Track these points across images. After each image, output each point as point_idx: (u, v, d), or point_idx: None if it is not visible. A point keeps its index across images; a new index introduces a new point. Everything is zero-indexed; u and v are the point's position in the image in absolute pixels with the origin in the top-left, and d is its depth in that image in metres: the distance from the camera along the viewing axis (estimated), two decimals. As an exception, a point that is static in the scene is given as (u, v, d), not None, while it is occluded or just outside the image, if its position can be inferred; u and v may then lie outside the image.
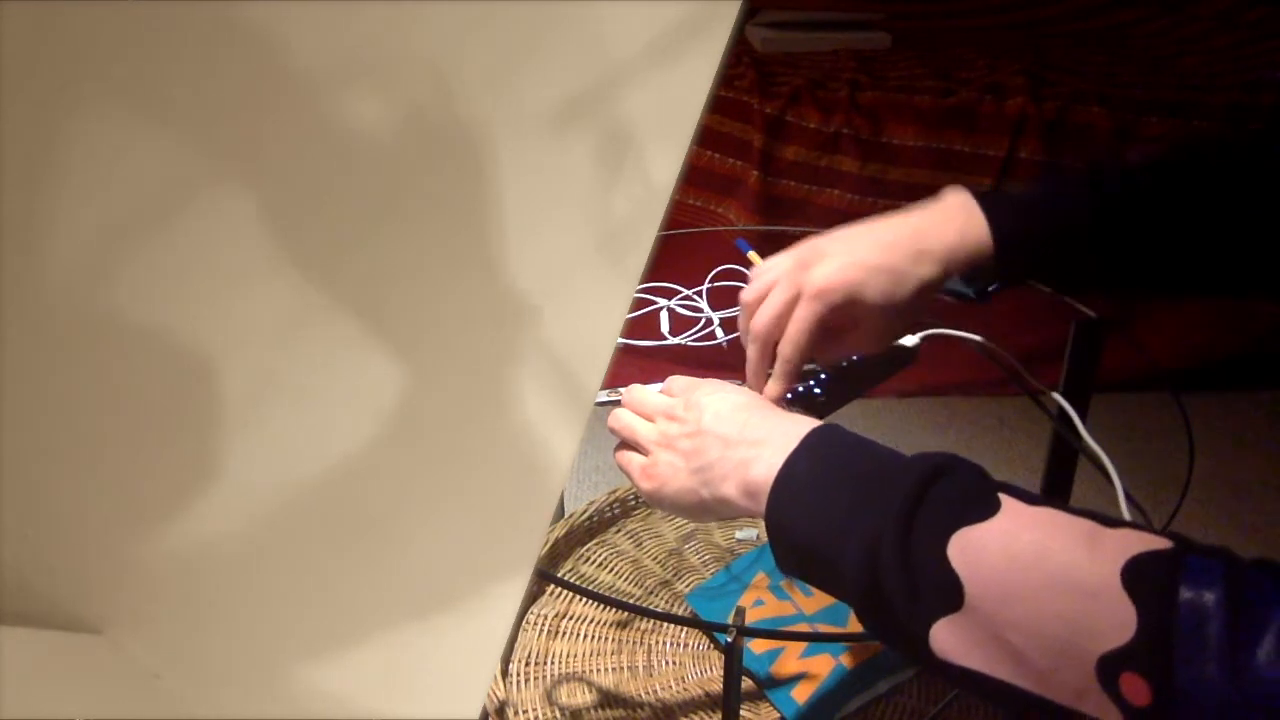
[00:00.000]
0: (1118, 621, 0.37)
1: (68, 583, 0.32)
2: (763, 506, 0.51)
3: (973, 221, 0.66)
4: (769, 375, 0.66)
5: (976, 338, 0.98)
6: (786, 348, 0.64)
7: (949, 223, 0.66)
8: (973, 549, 0.41)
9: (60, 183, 0.29)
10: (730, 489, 0.53)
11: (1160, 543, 0.39)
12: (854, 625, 0.94)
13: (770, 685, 0.89)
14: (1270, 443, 1.98)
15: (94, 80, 0.29)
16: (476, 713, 0.34)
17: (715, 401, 0.58)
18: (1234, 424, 2.00)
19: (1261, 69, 2.08)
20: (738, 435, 0.55)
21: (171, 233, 0.31)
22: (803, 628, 0.92)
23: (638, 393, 0.64)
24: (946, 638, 0.41)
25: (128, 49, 0.29)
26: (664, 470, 0.58)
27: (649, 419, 0.61)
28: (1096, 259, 0.67)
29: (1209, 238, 0.66)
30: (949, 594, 0.41)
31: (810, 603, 0.95)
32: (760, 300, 0.65)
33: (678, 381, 0.63)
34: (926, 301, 0.66)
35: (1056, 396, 0.91)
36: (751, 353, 0.66)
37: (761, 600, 0.95)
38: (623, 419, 0.63)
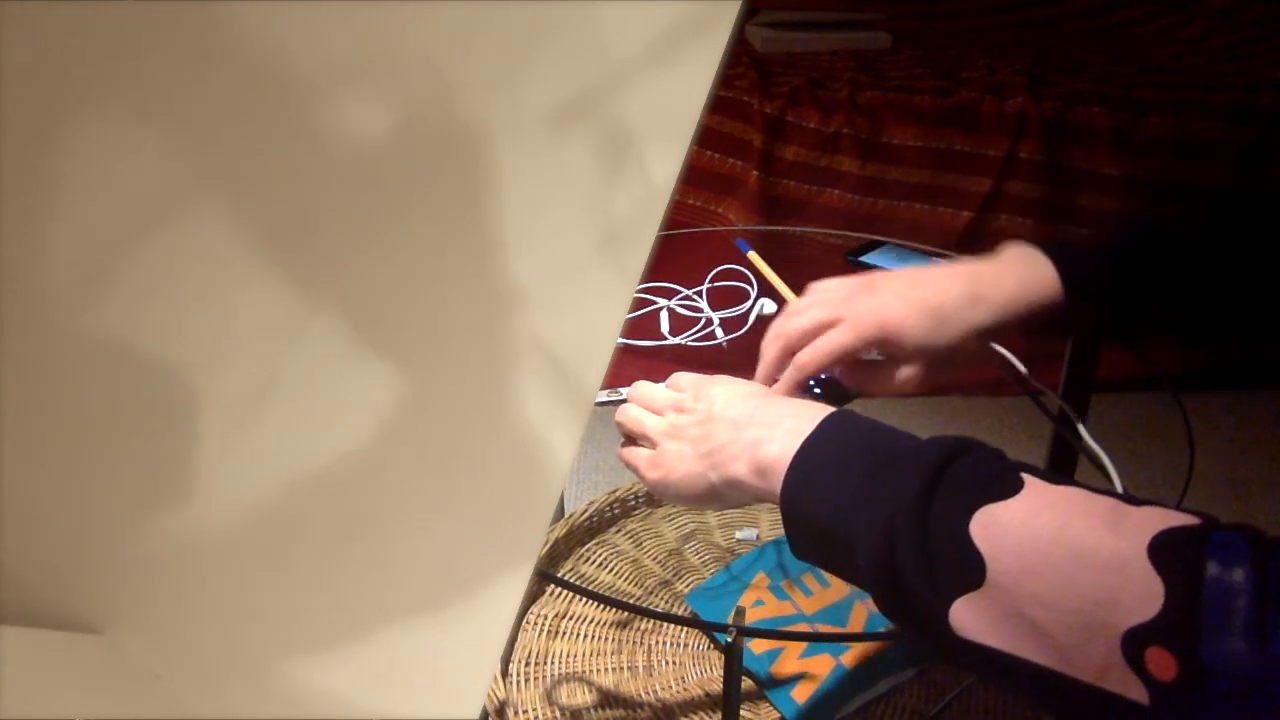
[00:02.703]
0: (1144, 596, 0.36)
1: (68, 583, 0.32)
2: (774, 486, 0.51)
3: (1035, 269, 0.65)
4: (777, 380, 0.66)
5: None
6: (804, 358, 0.64)
7: (1009, 270, 0.65)
8: (996, 526, 0.41)
9: (59, 185, 0.29)
10: (740, 468, 0.53)
11: (1186, 519, 0.39)
12: (854, 625, 0.95)
13: (770, 685, 0.89)
14: (1270, 443, 1.98)
15: (91, 83, 0.29)
16: (476, 713, 0.34)
17: (725, 391, 0.59)
18: (1234, 424, 2.00)
19: (1261, 69, 2.08)
20: (748, 418, 0.55)
21: (173, 234, 0.31)
22: (803, 628, 0.92)
23: (644, 388, 0.64)
24: (967, 615, 0.41)
25: (125, 51, 0.29)
26: (670, 458, 0.58)
27: (657, 413, 0.62)
28: (1164, 303, 0.67)
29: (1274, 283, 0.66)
30: (970, 571, 0.41)
31: (810, 603, 0.95)
32: (803, 311, 0.66)
33: (684, 378, 0.63)
34: (977, 348, 0.65)
35: (1056, 397, 0.91)
36: (771, 353, 0.66)
37: (761, 600, 0.95)
38: (630, 413, 0.63)
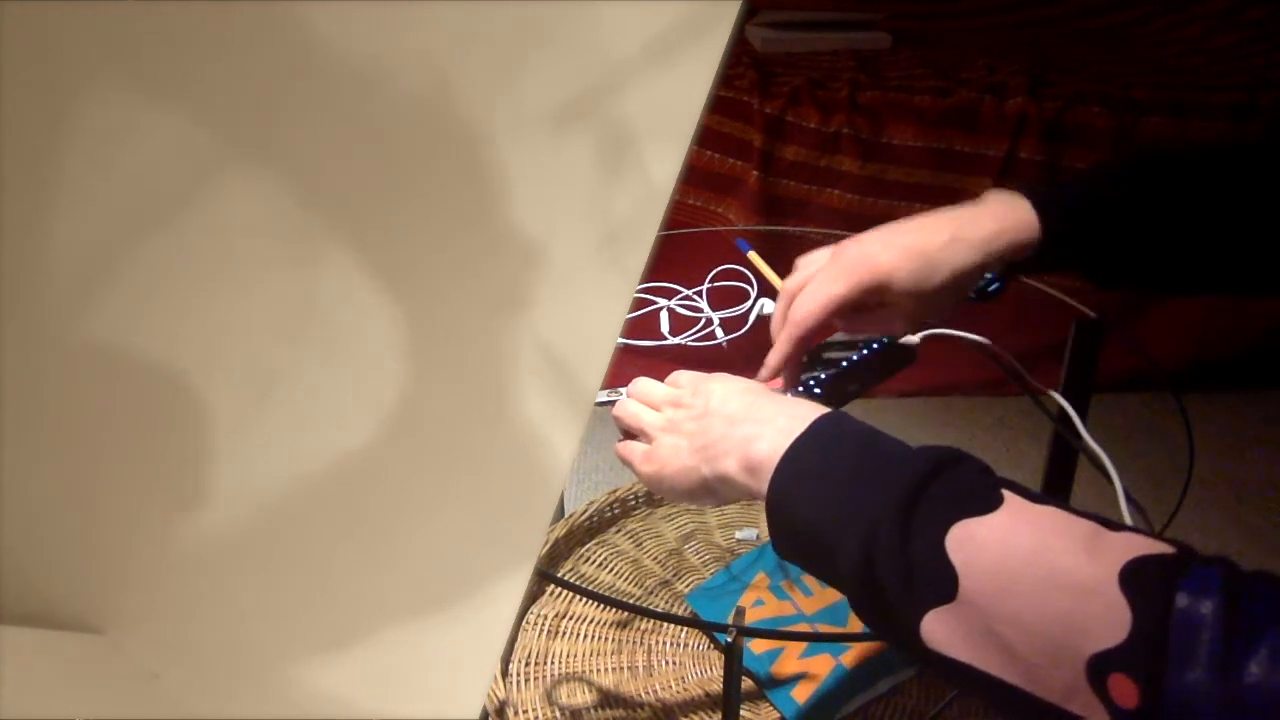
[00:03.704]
0: (1112, 622, 0.36)
1: (68, 583, 0.32)
2: (762, 485, 0.51)
3: (1014, 210, 0.67)
4: (789, 361, 0.68)
5: (977, 338, 0.98)
6: (800, 309, 0.65)
7: (987, 212, 0.67)
8: (971, 542, 0.41)
9: (62, 180, 0.29)
10: (731, 464, 0.53)
11: (1162, 547, 0.38)
12: (854, 625, 0.94)
13: (770, 685, 0.89)
14: (1270, 443, 1.98)
15: (95, 77, 0.29)
16: (476, 713, 0.34)
17: (723, 387, 0.59)
18: (1234, 424, 2.00)
19: (1262, 69, 2.08)
20: (743, 414, 0.55)
21: (170, 235, 0.31)
22: (803, 628, 0.92)
23: (644, 384, 0.64)
24: (938, 628, 0.41)
25: (123, 51, 0.29)
26: (665, 453, 0.58)
27: (655, 409, 0.62)
28: (1139, 242, 0.68)
29: (1253, 234, 0.67)
30: (944, 584, 0.41)
31: (810, 603, 0.95)
32: (801, 285, 0.67)
33: (684, 375, 0.63)
34: (962, 291, 0.68)
35: (1056, 396, 0.91)
36: (775, 323, 0.68)
37: (761, 600, 0.95)
38: (628, 408, 0.63)
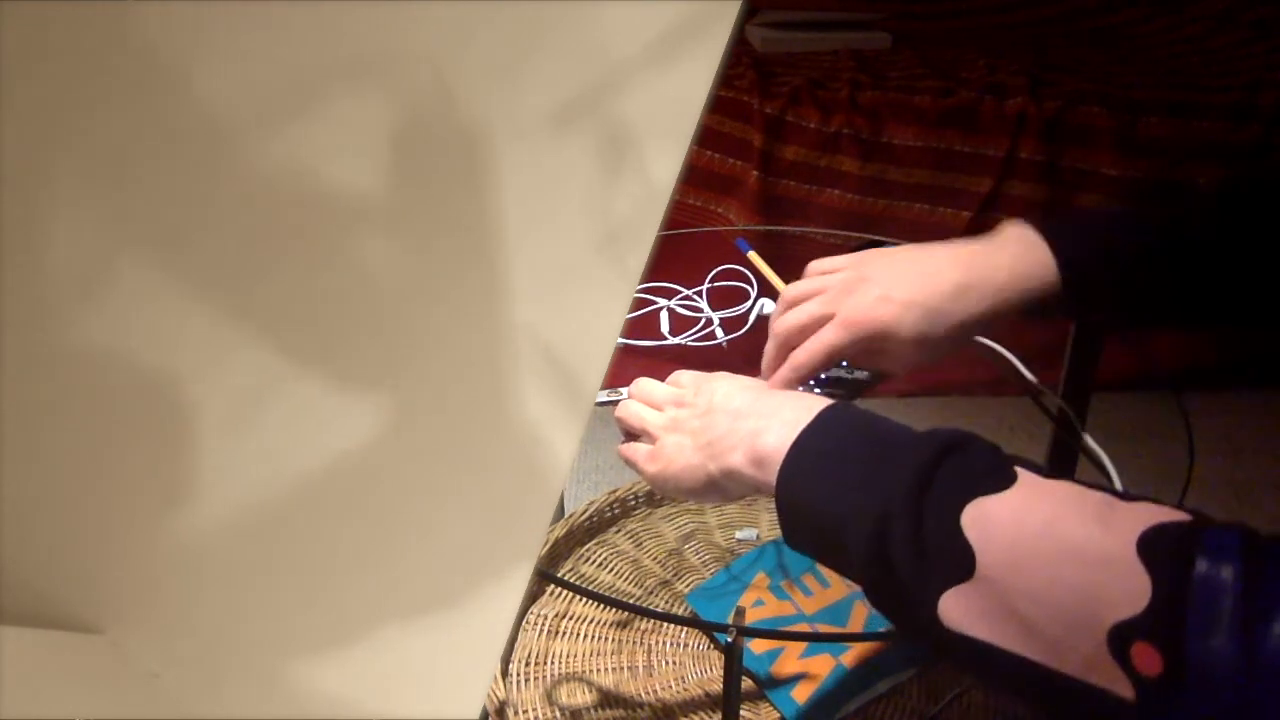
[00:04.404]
0: (1131, 591, 0.36)
1: (68, 583, 0.32)
2: (771, 477, 0.51)
3: (1031, 255, 0.63)
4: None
5: (977, 337, 0.98)
6: (801, 357, 0.64)
7: (1002, 254, 0.64)
8: (987, 518, 0.41)
9: (57, 186, 0.29)
10: (738, 459, 0.53)
11: (1178, 515, 0.38)
12: (854, 625, 0.94)
13: (770, 685, 0.89)
14: (1270, 443, 1.98)
15: (81, 81, 0.29)
16: (476, 713, 0.34)
17: (725, 385, 0.59)
18: (1234, 424, 2.00)
19: (1261, 69, 2.08)
20: (748, 409, 0.55)
21: (170, 232, 0.31)
22: (803, 628, 0.92)
23: (646, 385, 0.64)
24: (955, 607, 0.41)
25: (121, 47, 0.29)
26: (670, 451, 0.58)
27: (657, 409, 0.62)
28: (1170, 285, 0.65)
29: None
30: (960, 563, 0.41)
31: (810, 603, 0.95)
32: (797, 302, 0.66)
33: (685, 375, 0.63)
34: (968, 336, 0.65)
35: (1056, 396, 0.91)
36: (770, 348, 0.66)
37: (761, 600, 0.95)
38: (630, 408, 0.63)
